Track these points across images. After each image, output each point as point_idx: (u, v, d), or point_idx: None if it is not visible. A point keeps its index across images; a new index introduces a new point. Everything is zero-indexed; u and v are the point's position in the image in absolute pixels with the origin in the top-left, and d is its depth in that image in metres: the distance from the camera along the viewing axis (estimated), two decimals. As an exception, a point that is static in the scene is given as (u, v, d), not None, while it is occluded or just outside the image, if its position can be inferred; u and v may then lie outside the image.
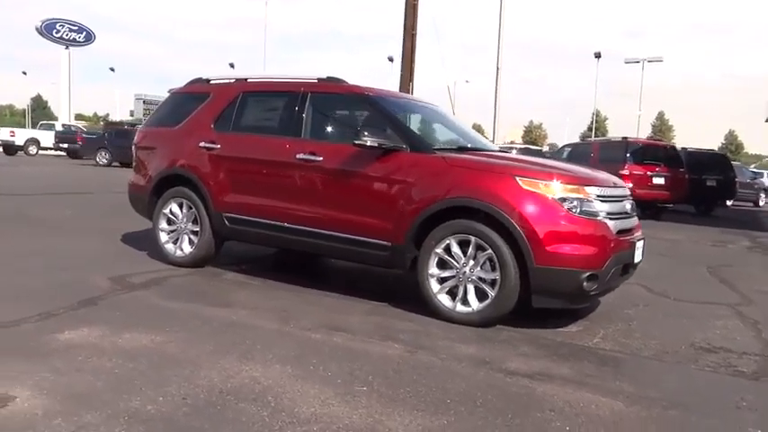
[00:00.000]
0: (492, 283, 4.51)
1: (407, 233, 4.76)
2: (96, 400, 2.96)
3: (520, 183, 4.47)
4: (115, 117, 64.44)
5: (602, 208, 4.52)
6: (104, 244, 7.10)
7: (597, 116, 69.95)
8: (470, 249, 4.56)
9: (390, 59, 43.95)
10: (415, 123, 5.71)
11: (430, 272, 4.71)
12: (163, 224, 6.15)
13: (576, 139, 69.09)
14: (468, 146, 5.48)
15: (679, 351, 4.36)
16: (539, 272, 4.34)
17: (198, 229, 5.92)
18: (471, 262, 4.57)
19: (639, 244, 4.89)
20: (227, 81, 6.22)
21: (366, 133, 4.86)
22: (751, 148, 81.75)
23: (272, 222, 5.42)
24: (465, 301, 4.61)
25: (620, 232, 4.65)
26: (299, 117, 5.44)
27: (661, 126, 74.31)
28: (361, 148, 4.93)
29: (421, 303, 4.90)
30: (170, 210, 6.10)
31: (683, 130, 75.31)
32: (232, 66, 53.76)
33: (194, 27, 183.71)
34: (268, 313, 4.65)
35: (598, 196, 4.54)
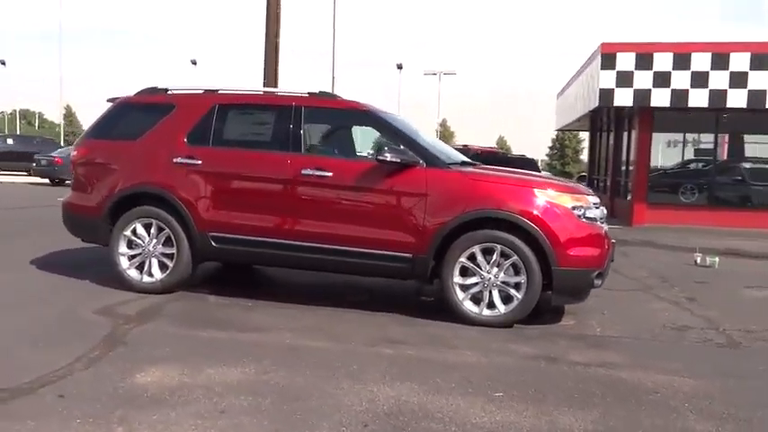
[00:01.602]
0: (516, 287, 4.92)
1: (431, 244, 4.97)
2: (288, 439, 2.81)
3: (539, 195, 4.95)
4: None
5: (596, 214, 5.18)
6: (26, 276, 6.16)
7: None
8: (495, 257, 4.92)
9: (194, 62, 42.10)
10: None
11: (455, 280, 4.98)
12: (123, 248, 5.56)
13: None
14: (465, 160, 5.81)
15: (664, 333, 5.18)
16: (561, 273, 4.86)
17: (172, 251, 5.47)
18: (495, 269, 4.94)
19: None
20: (193, 92, 5.82)
21: (387, 149, 4.98)
22: (515, 150, 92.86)
23: (272, 240, 5.24)
24: (490, 305, 4.97)
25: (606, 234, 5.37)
26: (297, 132, 5.33)
27: (444, 132, 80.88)
28: (379, 164, 5.03)
29: (419, 309, 5.31)
30: (132, 231, 5.54)
31: (462, 134, 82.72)
32: (3, 63, 47.10)
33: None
34: (312, 333, 4.56)
35: (593, 204, 5.20)
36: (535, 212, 4.87)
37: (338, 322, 4.91)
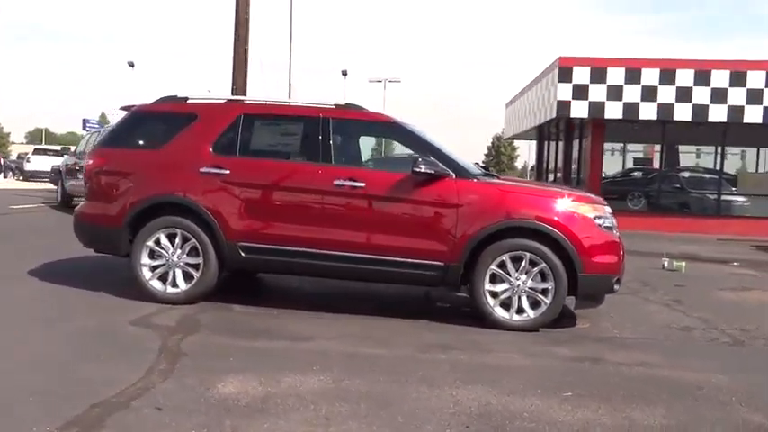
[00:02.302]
0: (543, 292, 5.17)
1: (463, 253, 5.16)
2: (405, 442, 2.92)
3: (564, 205, 5.23)
4: None
5: (613, 223, 5.51)
6: (34, 288, 5.96)
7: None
8: (524, 264, 5.16)
9: (131, 65, 40.76)
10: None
11: (486, 287, 5.19)
12: (145, 259, 5.49)
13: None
14: (485, 171, 6.02)
15: (673, 333, 5.55)
16: (586, 279, 5.14)
17: (198, 261, 5.43)
18: (524, 275, 5.18)
19: None
20: (216, 101, 5.81)
21: (420, 160, 5.15)
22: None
23: (304, 250, 5.29)
24: (519, 311, 5.20)
25: (617, 241, 5.70)
26: (326, 143, 5.41)
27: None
28: (411, 175, 5.19)
29: (438, 314, 5.57)
30: (155, 241, 5.47)
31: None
32: None
33: None
34: (358, 341, 4.67)
35: (610, 213, 5.52)
36: (563, 222, 5.14)
37: (374, 329, 5.03)
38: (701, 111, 15.77)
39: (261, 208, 5.41)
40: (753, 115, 15.73)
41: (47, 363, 3.86)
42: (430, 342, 4.73)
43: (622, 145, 18.58)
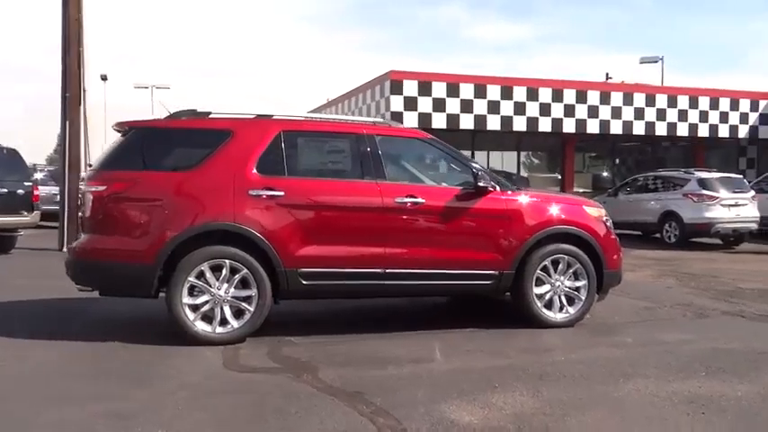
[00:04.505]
0: (577, 290, 5.74)
1: (514, 261, 5.48)
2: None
3: (588, 211, 5.86)
4: None
5: (611, 223, 6.29)
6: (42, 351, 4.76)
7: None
8: (561, 266, 5.67)
9: None
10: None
11: (535, 292, 5.58)
12: (186, 297, 4.78)
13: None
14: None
15: (649, 313, 6.50)
16: (608, 275, 5.83)
17: (250, 293, 4.89)
18: (561, 277, 5.69)
19: None
20: (244, 116, 5.24)
21: (481, 174, 5.36)
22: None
23: (368, 270, 5.12)
24: (560, 309, 5.69)
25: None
26: (377, 160, 5.28)
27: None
28: (464, 189, 5.39)
29: (476, 320, 5.77)
30: (197, 276, 4.80)
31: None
32: None
33: None
34: (464, 355, 4.78)
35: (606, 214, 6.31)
36: (591, 226, 5.76)
37: (452, 343, 5.08)
38: (506, 122, 18.00)
39: (322, 230, 5.07)
40: (545, 125, 18.42)
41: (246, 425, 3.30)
42: (524, 347, 5.01)
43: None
